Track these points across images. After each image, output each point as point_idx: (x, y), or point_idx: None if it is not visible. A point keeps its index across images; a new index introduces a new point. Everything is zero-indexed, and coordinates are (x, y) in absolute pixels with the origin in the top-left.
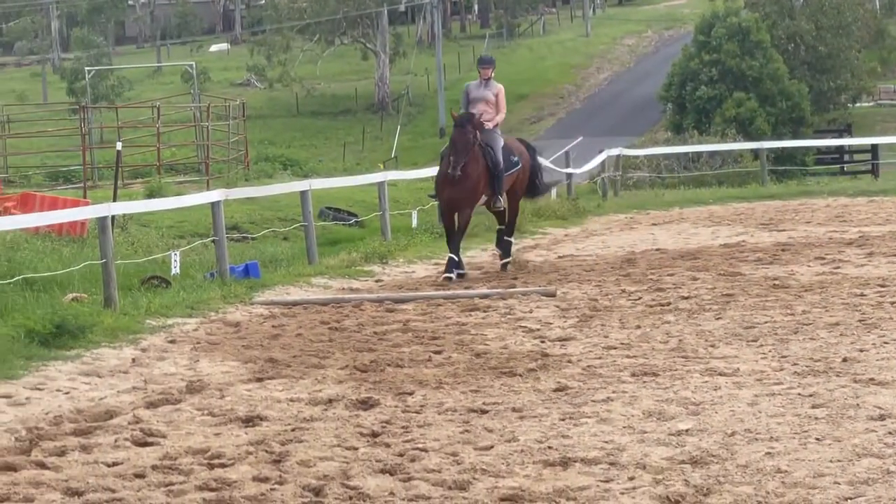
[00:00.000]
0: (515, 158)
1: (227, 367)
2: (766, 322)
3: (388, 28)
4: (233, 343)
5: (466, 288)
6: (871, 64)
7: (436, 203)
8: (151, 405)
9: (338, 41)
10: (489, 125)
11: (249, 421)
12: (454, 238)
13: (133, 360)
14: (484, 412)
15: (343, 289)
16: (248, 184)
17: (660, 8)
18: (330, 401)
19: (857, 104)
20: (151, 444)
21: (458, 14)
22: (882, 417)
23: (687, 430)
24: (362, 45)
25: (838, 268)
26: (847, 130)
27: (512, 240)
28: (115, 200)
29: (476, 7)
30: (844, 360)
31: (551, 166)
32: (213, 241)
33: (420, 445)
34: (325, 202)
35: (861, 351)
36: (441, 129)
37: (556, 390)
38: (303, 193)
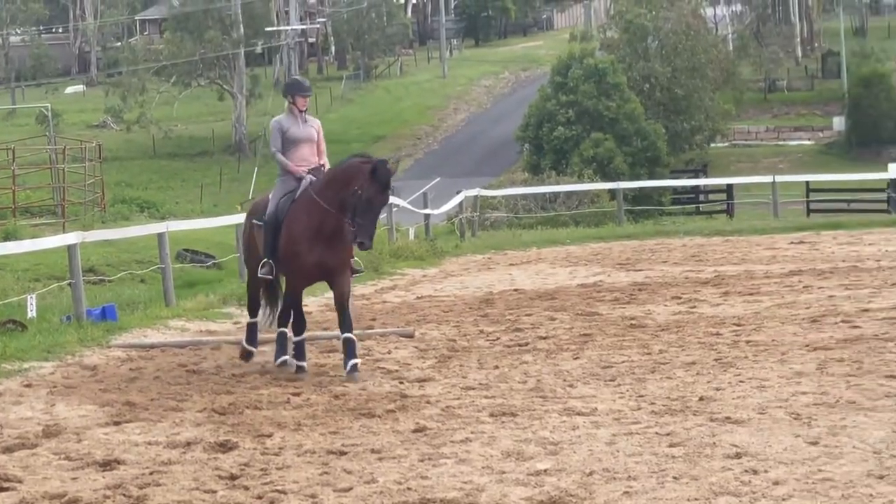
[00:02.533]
0: None
1: (84, 411)
2: (623, 362)
3: (245, 69)
4: (90, 386)
5: (325, 329)
6: (725, 105)
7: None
8: (7, 450)
9: (194, 83)
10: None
11: (107, 465)
12: (299, 322)
13: None
14: (343, 454)
15: (201, 331)
16: (104, 226)
17: (516, 49)
18: (188, 444)
19: (712, 145)
20: (7, 489)
21: (315, 55)
22: (738, 455)
23: (545, 470)
24: (219, 86)
25: (694, 307)
26: (703, 171)
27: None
28: None
29: (333, 48)
30: (701, 398)
31: (410, 207)
32: (70, 283)
33: (279, 488)
34: (182, 244)
35: (717, 390)
36: None
37: (414, 431)
38: (160, 235)
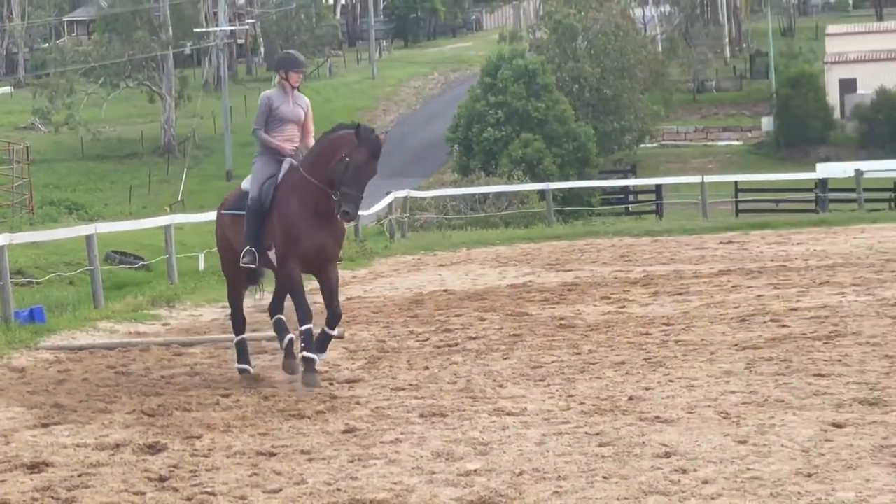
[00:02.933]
0: None
1: (11, 414)
2: (553, 362)
3: (174, 71)
4: (18, 389)
5: (254, 331)
6: (654, 106)
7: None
8: None
9: (123, 84)
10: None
11: (35, 467)
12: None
13: None
14: (272, 455)
15: (130, 333)
16: (32, 228)
17: (445, 50)
18: (117, 445)
19: (642, 145)
20: None
21: (244, 57)
22: (667, 455)
23: (475, 471)
24: (148, 88)
25: (624, 307)
26: (632, 171)
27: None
28: None
29: (262, 50)
30: (630, 398)
31: None
32: None
33: (208, 489)
34: (111, 246)
35: (646, 389)
36: (228, 171)
37: (344, 432)
38: (88, 237)
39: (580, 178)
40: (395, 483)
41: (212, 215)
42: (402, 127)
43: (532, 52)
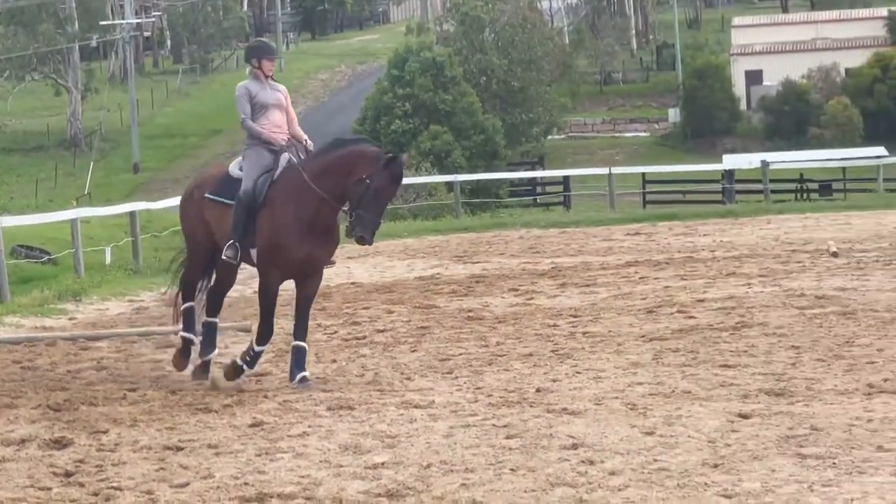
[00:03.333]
0: None
1: None
2: (460, 354)
3: (80, 64)
4: None
5: (161, 325)
6: (562, 98)
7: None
8: None
9: (29, 77)
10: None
11: None
12: (300, 323)
13: None
14: (179, 449)
15: (36, 327)
16: None
17: (353, 43)
18: (22, 441)
19: (549, 137)
20: None
21: (150, 49)
22: (575, 447)
23: (383, 463)
24: (54, 81)
25: (531, 299)
26: (540, 163)
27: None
28: None
29: (169, 42)
30: (538, 390)
31: None
32: None
33: (115, 484)
34: (16, 240)
35: (554, 381)
36: (135, 164)
37: (252, 426)
38: None
39: (488, 170)
40: (303, 476)
41: (119, 208)
42: (310, 119)
43: (439, 44)
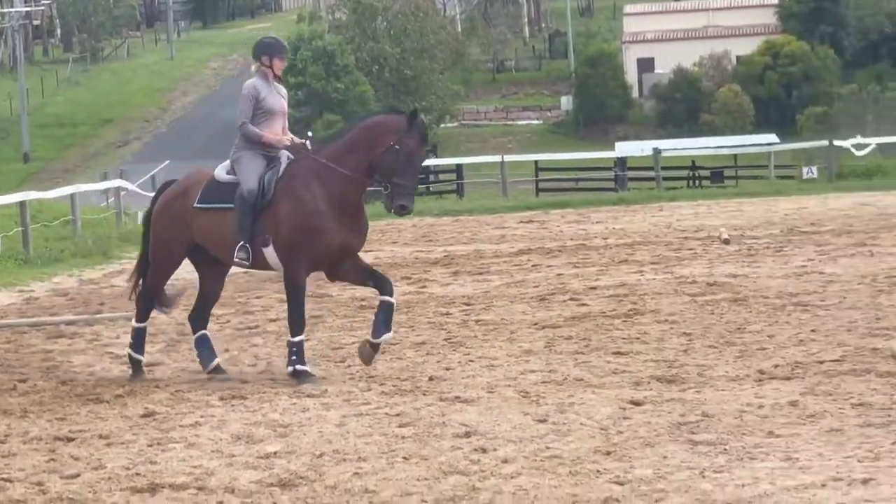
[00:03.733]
0: None
1: None
2: (353, 343)
3: None
4: None
5: (52, 314)
6: (454, 86)
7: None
8: None
9: None
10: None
11: None
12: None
13: None
14: (70, 440)
15: None
16: None
17: (245, 31)
18: None
19: (442, 125)
20: None
21: (40, 38)
22: (468, 435)
23: (275, 453)
24: None
25: (424, 287)
26: (432, 151)
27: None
28: None
29: (59, 31)
30: (431, 378)
31: (139, 190)
32: None
33: (4, 475)
34: None
35: (447, 369)
36: (25, 154)
37: (143, 416)
38: None
39: None
40: (195, 467)
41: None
42: (202, 108)
43: (331, 32)
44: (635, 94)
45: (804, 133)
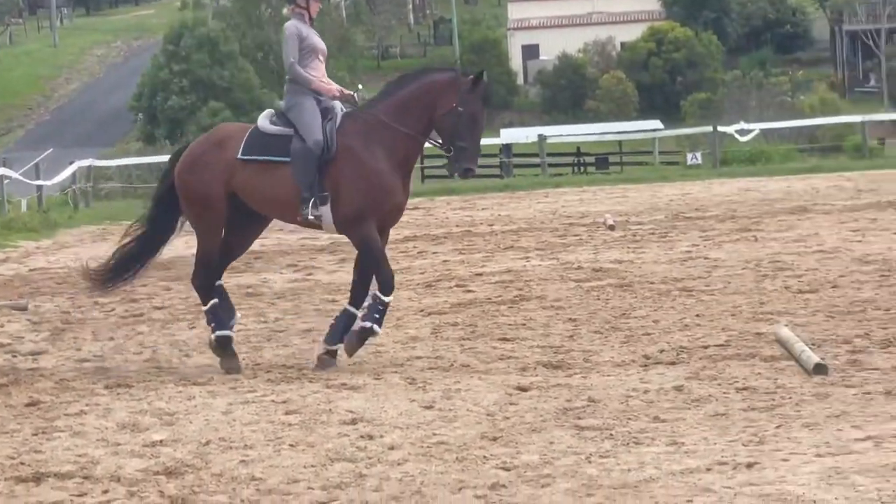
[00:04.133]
0: None
1: None
2: (239, 330)
3: None
4: None
5: None
6: (339, 73)
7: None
8: None
9: None
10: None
11: None
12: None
13: None
14: None
15: None
16: None
17: (128, 18)
18: None
19: None
20: None
21: None
22: (354, 421)
23: (161, 441)
24: None
25: (310, 274)
26: None
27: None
28: None
29: None
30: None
31: (22, 178)
32: None
33: None
34: None
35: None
36: None
37: (28, 405)
38: None
39: None
40: (80, 455)
41: None
42: (86, 96)
43: (215, 19)
44: (520, 80)
45: (688, 119)
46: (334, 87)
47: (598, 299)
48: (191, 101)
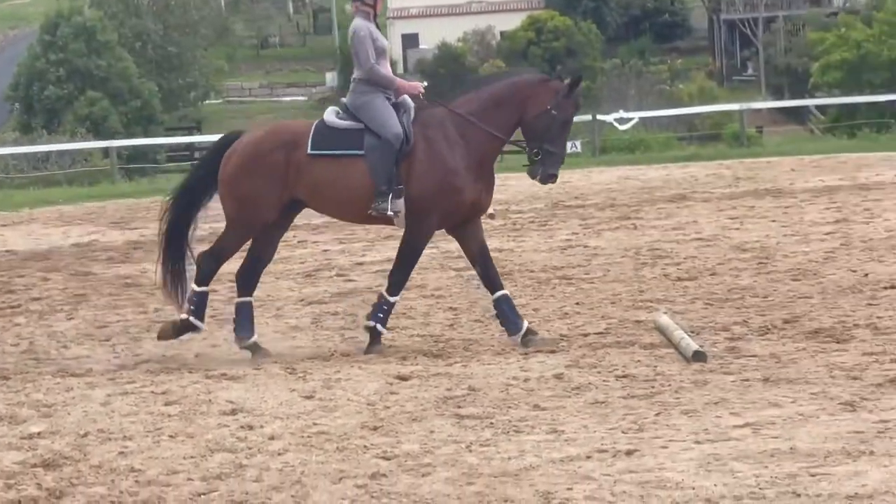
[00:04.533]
0: None
1: None
2: (118, 321)
3: None
4: None
5: None
6: (218, 62)
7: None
8: None
9: None
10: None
11: None
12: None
13: None
14: None
15: None
16: None
17: (3, 7)
18: None
19: (207, 101)
20: None
21: None
22: (234, 412)
23: (39, 433)
24: None
25: (191, 264)
26: (197, 128)
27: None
28: None
29: None
30: (197, 356)
31: None
32: None
33: None
34: None
35: (213, 347)
36: None
37: None
38: None
39: (145, 135)
40: None
41: None
42: None
43: (92, 8)
44: (400, 69)
45: None
46: (419, 85)
47: (479, 288)
48: (68, 90)
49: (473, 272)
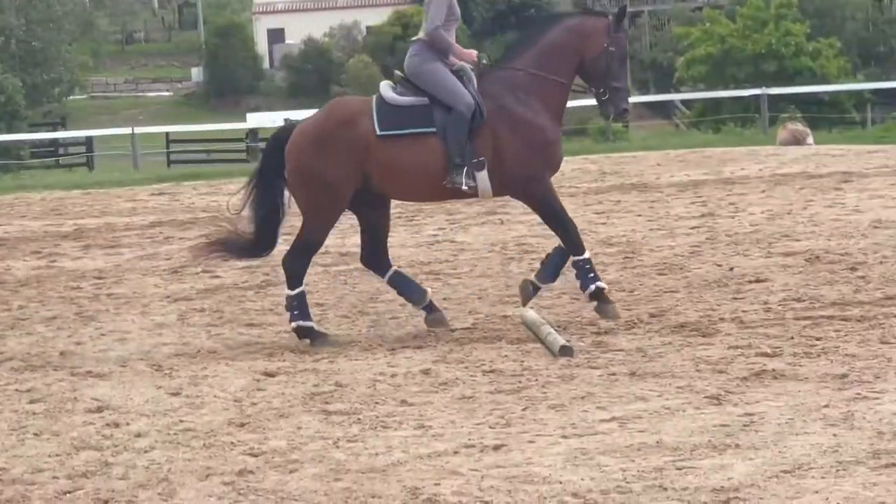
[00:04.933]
0: None
1: None
2: None
3: None
4: None
5: None
6: (83, 57)
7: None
8: None
9: None
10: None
11: None
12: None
13: None
14: None
15: None
16: None
17: None
18: None
19: (71, 97)
20: None
21: None
22: (100, 409)
23: None
24: None
25: (55, 261)
26: (61, 123)
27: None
28: None
29: None
30: (62, 353)
31: None
32: None
33: None
34: None
35: (78, 344)
36: None
37: None
38: None
39: (8, 131)
40: None
41: None
42: None
43: None
44: (266, 65)
45: None
46: (473, 51)
47: (346, 283)
48: None
49: (340, 268)
